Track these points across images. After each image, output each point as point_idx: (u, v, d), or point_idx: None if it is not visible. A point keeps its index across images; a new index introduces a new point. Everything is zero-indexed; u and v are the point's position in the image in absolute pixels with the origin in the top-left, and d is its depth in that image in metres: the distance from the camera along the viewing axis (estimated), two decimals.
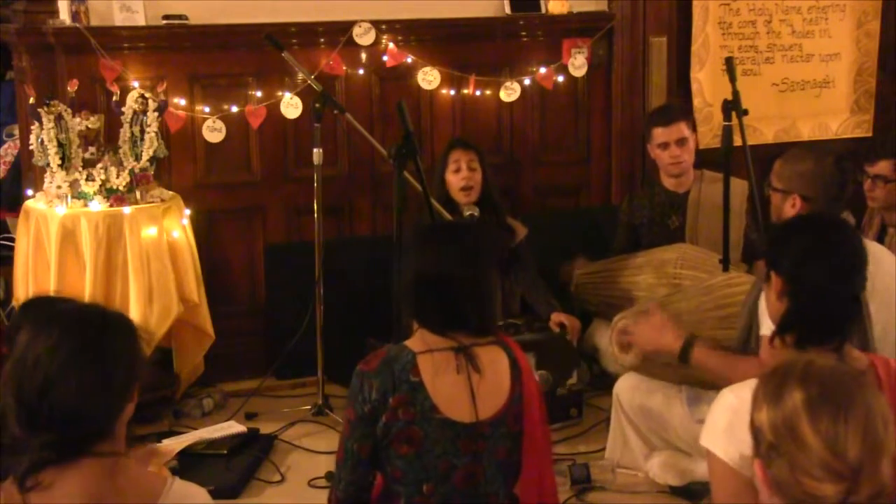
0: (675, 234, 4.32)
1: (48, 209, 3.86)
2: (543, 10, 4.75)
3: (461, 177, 4.15)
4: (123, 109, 3.94)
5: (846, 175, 3.16)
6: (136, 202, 3.88)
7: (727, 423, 2.14)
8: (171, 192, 4.10)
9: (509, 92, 4.72)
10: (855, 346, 2.78)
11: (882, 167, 4.07)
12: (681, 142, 4.28)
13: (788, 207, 3.19)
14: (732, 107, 3.86)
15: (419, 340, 2.38)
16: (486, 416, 2.34)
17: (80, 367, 1.68)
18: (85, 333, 1.72)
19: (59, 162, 3.83)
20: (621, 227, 4.51)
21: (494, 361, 2.39)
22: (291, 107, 4.40)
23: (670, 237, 4.29)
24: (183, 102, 4.29)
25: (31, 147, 3.94)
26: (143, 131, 3.92)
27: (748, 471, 2.10)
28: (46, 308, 1.84)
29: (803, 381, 1.63)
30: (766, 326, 2.55)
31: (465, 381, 2.33)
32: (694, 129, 4.39)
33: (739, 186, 4.08)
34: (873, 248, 3.32)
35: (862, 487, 1.55)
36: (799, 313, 2.30)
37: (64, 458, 1.68)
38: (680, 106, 4.57)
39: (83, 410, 1.68)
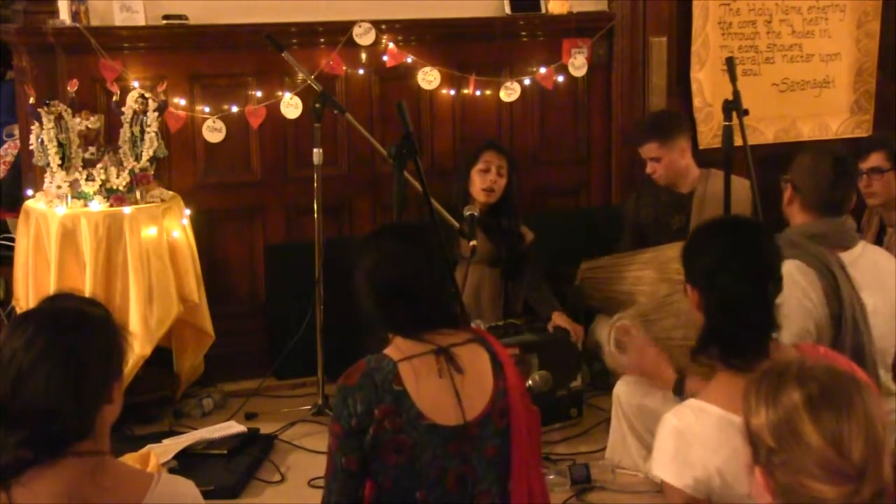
0: (679, 234, 4.31)
1: (48, 209, 3.86)
2: (543, 10, 4.74)
3: (488, 178, 4.19)
4: (123, 109, 3.94)
5: (840, 175, 3.15)
6: (136, 202, 3.88)
7: (674, 450, 2.13)
8: (171, 192, 4.10)
9: (509, 92, 4.72)
10: (849, 351, 2.79)
11: (874, 159, 4.07)
12: (653, 160, 4.32)
13: (785, 196, 3.21)
14: (733, 107, 3.86)
15: (396, 349, 2.37)
16: (473, 415, 2.33)
17: (51, 364, 1.68)
18: (59, 330, 1.72)
19: (59, 162, 3.83)
20: (627, 226, 4.51)
21: (475, 359, 2.38)
22: (291, 107, 4.40)
23: (674, 237, 4.29)
24: (183, 102, 4.29)
25: (31, 147, 3.94)
26: (143, 131, 3.92)
27: (703, 493, 2.10)
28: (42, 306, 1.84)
29: (800, 381, 1.60)
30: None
31: (449, 384, 2.32)
32: (671, 144, 4.28)
33: (745, 185, 4.06)
34: (873, 253, 3.32)
35: (865, 487, 1.53)
36: (717, 327, 2.25)
37: (42, 456, 1.68)
38: (654, 123, 4.45)
39: (54, 407, 1.68)
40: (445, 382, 2.32)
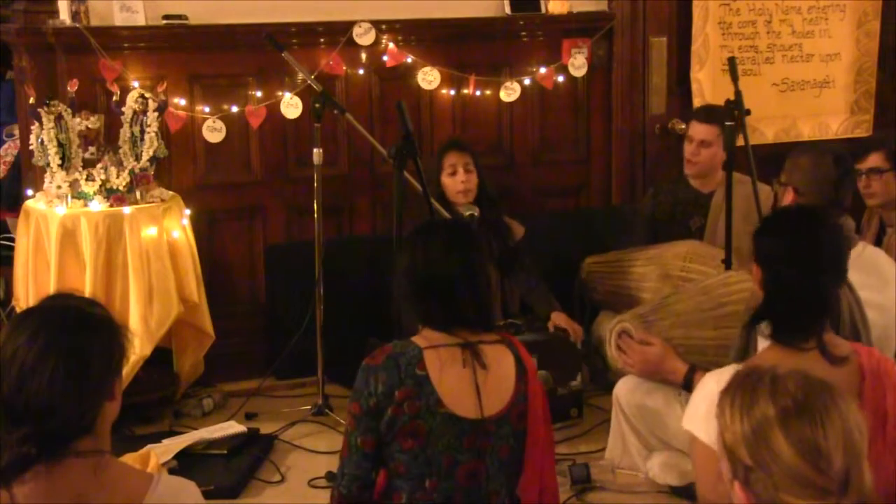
0: (695, 236, 4.30)
1: (48, 209, 3.86)
2: (543, 10, 4.74)
3: (459, 180, 4.15)
4: (123, 109, 3.94)
5: (843, 174, 3.16)
6: (136, 202, 3.88)
7: (707, 408, 2.14)
8: (171, 192, 4.10)
9: (509, 92, 4.72)
10: None
11: (873, 160, 4.07)
12: (704, 143, 4.27)
13: (784, 201, 3.21)
14: (735, 107, 3.86)
15: (424, 338, 2.41)
16: (491, 412, 2.36)
17: (54, 361, 1.69)
18: (61, 327, 1.73)
19: (59, 162, 3.83)
20: (642, 220, 4.48)
21: (500, 359, 2.42)
22: (291, 107, 4.40)
23: (690, 238, 4.27)
24: (183, 102, 4.28)
25: (31, 147, 3.94)
26: (143, 131, 3.92)
27: None
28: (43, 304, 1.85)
29: (773, 394, 1.58)
30: None
31: (471, 377, 2.36)
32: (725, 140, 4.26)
33: (764, 191, 4.01)
34: (872, 254, 3.33)
35: (846, 499, 1.51)
36: (771, 305, 2.37)
37: (44, 454, 1.68)
38: (725, 113, 4.17)
39: (56, 404, 1.69)
40: (467, 375, 2.35)
